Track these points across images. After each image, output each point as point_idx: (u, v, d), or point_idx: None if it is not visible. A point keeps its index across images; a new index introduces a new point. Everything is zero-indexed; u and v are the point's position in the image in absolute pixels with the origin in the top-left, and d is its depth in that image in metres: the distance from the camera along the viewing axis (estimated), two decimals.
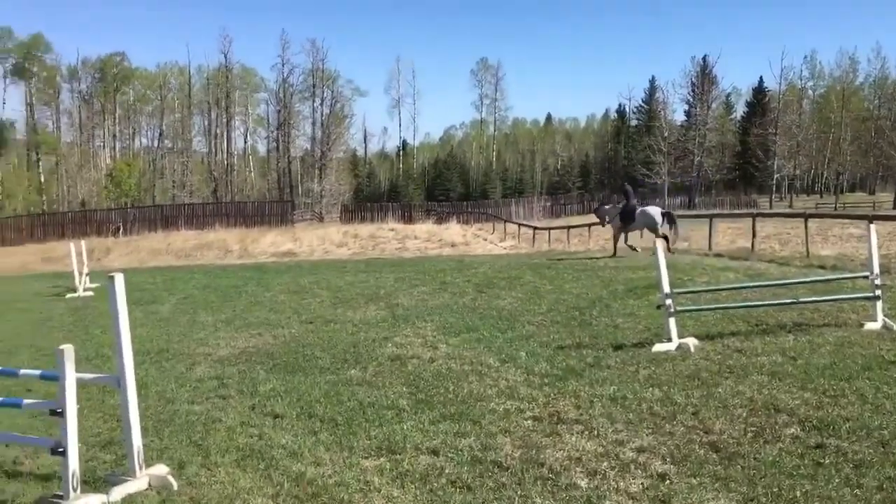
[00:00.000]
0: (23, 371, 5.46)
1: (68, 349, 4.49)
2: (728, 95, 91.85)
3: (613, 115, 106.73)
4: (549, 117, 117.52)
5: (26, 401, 5.05)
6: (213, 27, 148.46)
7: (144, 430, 5.09)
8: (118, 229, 43.38)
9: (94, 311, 13.99)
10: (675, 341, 7.72)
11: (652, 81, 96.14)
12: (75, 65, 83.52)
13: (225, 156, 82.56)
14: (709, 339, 7.97)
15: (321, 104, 78.01)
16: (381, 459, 5.02)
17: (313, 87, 77.75)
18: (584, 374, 6.91)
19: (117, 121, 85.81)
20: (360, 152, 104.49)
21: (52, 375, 4.75)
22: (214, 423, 6.04)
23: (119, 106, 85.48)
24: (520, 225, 39.43)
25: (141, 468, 4.75)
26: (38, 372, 5.28)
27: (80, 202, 73.30)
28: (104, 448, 5.55)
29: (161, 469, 4.86)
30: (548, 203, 69.07)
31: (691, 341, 7.70)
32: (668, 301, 7.94)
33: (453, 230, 38.65)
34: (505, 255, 24.84)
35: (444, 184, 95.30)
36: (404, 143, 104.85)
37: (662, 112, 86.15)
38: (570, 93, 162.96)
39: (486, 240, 36.30)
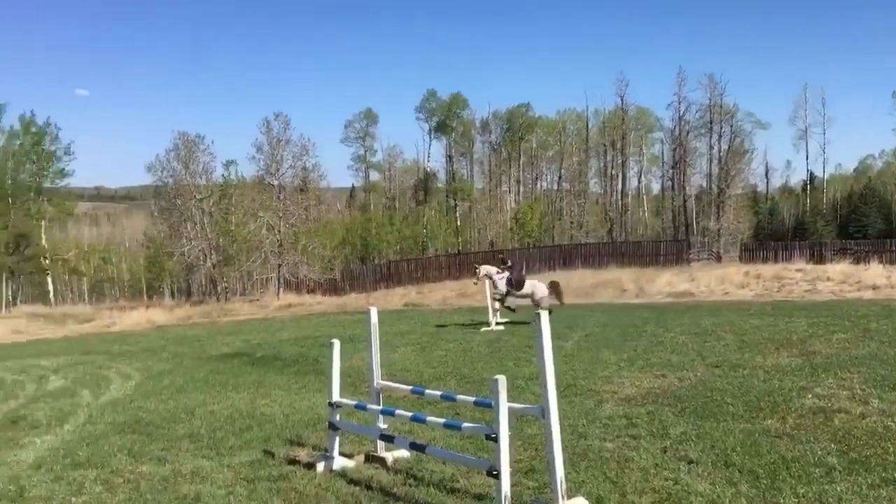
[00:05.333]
0: (459, 396, 6.10)
1: (502, 380, 4.86)
2: None
3: None
4: None
5: (465, 424, 5.60)
6: (609, 70, 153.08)
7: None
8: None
9: (506, 345, 15.13)
10: None
11: None
12: (486, 117, 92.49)
13: (619, 196, 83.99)
14: None
15: (719, 140, 75.45)
16: None
17: (710, 122, 75.55)
18: None
19: (521, 167, 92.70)
20: (761, 188, 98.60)
21: (485, 403, 5.22)
22: (627, 461, 6.08)
23: (523, 153, 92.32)
24: None
25: (563, 498, 4.94)
26: (472, 398, 5.85)
27: (488, 242, 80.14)
28: (527, 475, 5.91)
29: (581, 502, 5.02)
30: None
31: None
32: None
33: (874, 271, 34.27)
34: None
35: (859, 219, 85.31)
36: (811, 177, 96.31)
37: None
38: None
39: None
